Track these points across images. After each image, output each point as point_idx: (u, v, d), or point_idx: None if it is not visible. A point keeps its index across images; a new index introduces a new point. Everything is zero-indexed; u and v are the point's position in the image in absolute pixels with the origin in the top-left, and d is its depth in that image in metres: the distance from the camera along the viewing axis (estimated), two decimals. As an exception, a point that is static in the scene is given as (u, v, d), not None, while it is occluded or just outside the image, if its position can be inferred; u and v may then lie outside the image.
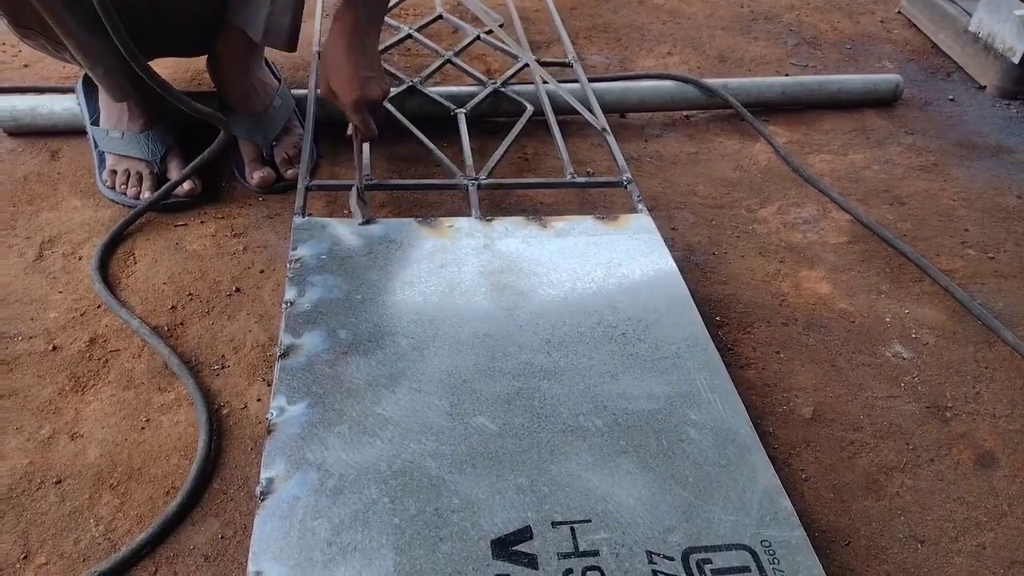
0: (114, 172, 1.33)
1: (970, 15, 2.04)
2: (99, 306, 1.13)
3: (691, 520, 0.82)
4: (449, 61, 1.68)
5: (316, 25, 1.73)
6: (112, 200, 1.33)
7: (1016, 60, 1.84)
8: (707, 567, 0.78)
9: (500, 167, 1.41)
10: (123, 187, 1.32)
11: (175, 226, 1.29)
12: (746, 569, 0.78)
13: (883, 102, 1.80)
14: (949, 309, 1.23)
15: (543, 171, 1.51)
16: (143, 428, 0.98)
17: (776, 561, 0.79)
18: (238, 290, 1.17)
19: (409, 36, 1.76)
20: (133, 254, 1.23)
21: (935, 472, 0.99)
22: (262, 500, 0.80)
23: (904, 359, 1.14)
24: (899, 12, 2.38)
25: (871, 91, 1.77)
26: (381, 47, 1.68)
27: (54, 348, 1.07)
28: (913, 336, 1.18)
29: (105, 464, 0.93)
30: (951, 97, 1.90)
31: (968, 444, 1.03)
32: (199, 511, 0.88)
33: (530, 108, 1.53)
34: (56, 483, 0.91)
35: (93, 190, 1.36)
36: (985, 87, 1.95)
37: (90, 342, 1.08)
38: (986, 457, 1.01)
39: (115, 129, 1.34)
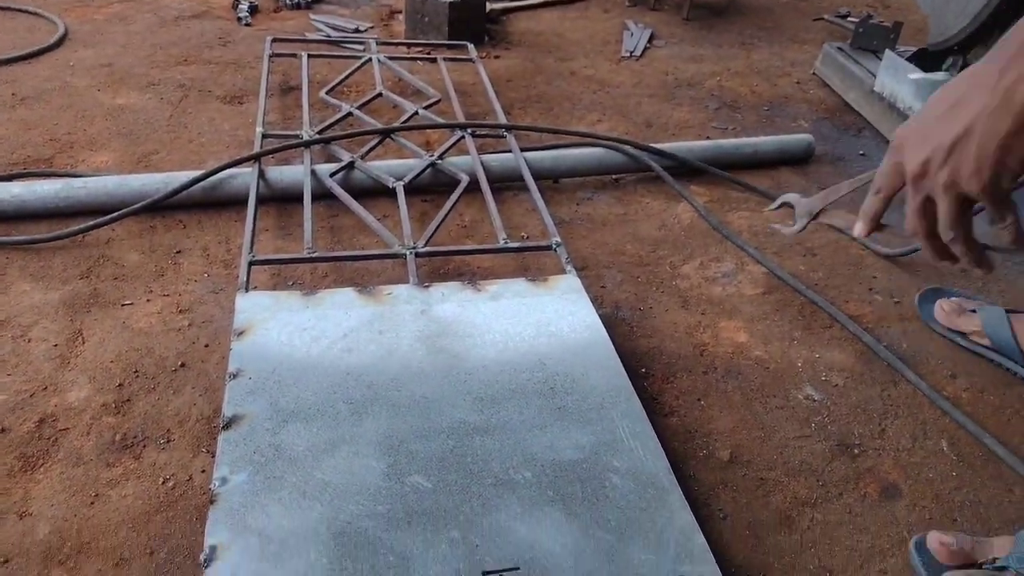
0: None
1: (875, 76, 2.21)
2: (46, 388, 1.17)
3: (613, 561, 0.88)
4: (388, 136, 1.77)
5: (260, 103, 1.82)
6: None
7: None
8: (627, 606, 0.84)
9: (440, 234, 1.49)
10: None
11: (122, 305, 1.33)
12: (663, 605, 0.84)
13: (797, 160, 1.93)
14: (857, 352, 1.33)
15: (480, 237, 1.59)
16: (92, 503, 1.01)
17: (691, 596, 0.85)
18: (183, 365, 1.22)
19: (350, 114, 1.85)
20: (81, 334, 1.27)
21: (843, 505, 1.06)
22: (205, 567, 0.84)
23: (815, 401, 1.23)
24: (813, 73, 2.56)
25: (784, 151, 1.90)
26: (323, 125, 1.77)
27: (3, 430, 1.10)
28: (823, 379, 1.27)
29: (54, 540, 0.96)
30: (861, 152, 2.04)
31: (874, 478, 1.11)
32: (146, 582, 0.92)
33: (466, 178, 1.62)
34: (3, 562, 0.93)
35: (43, 273, 1.40)
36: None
37: (39, 422, 1.12)
38: (890, 489, 1.09)
39: None
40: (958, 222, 0.58)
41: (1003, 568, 0.92)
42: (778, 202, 0.93)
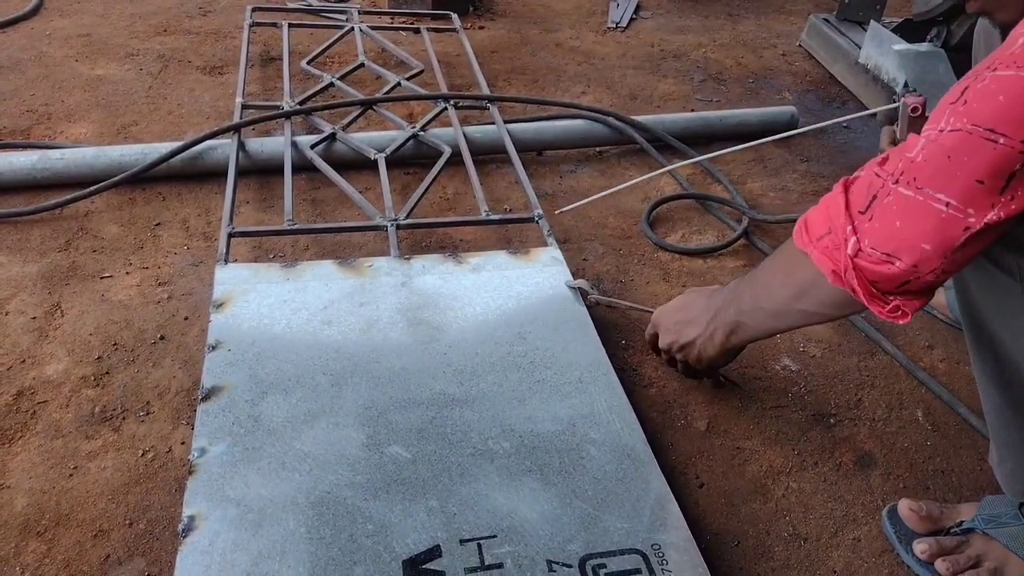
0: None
1: (860, 48, 2.20)
2: (24, 361, 1.16)
3: (589, 529, 0.89)
4: (371, 107, 1.75)
5: (240, 73, 1.80)
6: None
7: (899, 90, 1.99)
8: (602, 571, 0.85)
9: (421, 207, 1.49)
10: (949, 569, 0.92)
11: (101, 278, 1.32)
12: (637, 571, 0.85)
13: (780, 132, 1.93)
14: (835, 324, 1.34)
15: (463, 210, 1.59)
16: (71, 475, 1.01)
17: (665, 562, 0.86)
18: (163, 338, 1.21)
19: (332, 84, 1.83)
20: (60, 307, 1.26)
21: (818, 474, 1.08)
22: (184, 537, 0.85)
23: (792, 371, 1.24)
24: (799, 45, 2.55)
25: (768, 123, 1.90)
26: (304, 95, 1.75)
27: (-20, 403, 1.10)
28: (801, 350, 1.28)
29: (32, 512, 0.96)
30: (845, 125, 2.04)
31: (849, 447, 1.12)
32: (126, 551, 0.92)
33: (448, 150, 1.61)
34: (-18, 534, 0.93)
35: (20, 246, 1.38)
36: (876, 114, 2.10)
37: (17, 395, 1.11)
38: (865, 458, 1.11)
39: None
40: (688, 372, 1.12)
41: (970, 530, 0.94)
42: (575, 283, 1.26)
